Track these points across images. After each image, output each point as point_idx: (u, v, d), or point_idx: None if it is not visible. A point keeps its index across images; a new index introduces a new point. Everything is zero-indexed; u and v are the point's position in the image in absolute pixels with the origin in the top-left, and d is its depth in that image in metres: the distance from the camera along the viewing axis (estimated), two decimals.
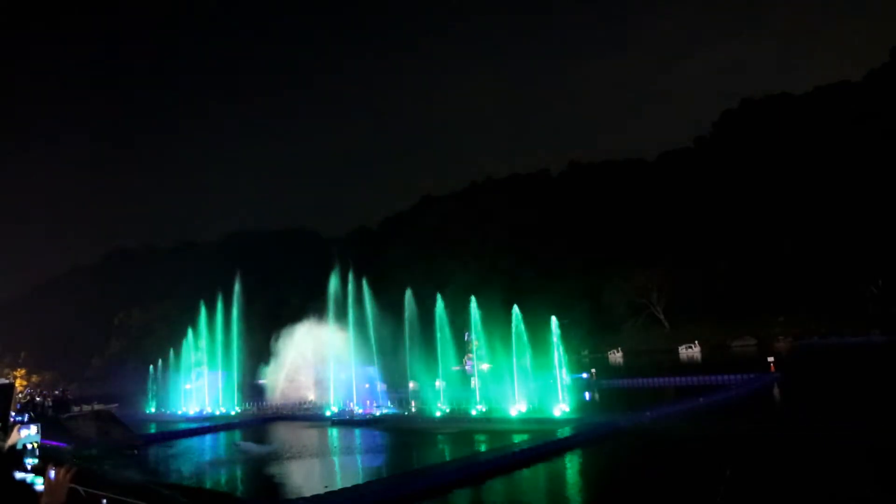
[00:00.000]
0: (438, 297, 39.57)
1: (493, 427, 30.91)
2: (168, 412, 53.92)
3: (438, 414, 35.49)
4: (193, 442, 37.16)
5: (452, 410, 36.01)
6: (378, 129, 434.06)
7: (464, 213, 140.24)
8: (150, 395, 58.76)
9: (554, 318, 34.11)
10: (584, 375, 53.31)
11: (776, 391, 36.83)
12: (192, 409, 51.03)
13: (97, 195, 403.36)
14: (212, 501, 20.03)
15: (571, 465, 22.18)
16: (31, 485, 3.97)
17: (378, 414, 38.65)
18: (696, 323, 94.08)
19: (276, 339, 57.98)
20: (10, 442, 3.98)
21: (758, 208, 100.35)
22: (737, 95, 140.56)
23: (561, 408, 31.33)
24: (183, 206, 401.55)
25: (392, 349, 44.08)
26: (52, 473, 3.53)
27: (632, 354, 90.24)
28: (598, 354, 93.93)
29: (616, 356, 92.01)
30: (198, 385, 52.46)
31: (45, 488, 3.51)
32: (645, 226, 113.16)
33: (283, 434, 37.05)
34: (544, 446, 23.36)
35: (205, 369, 52.65)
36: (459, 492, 18.53)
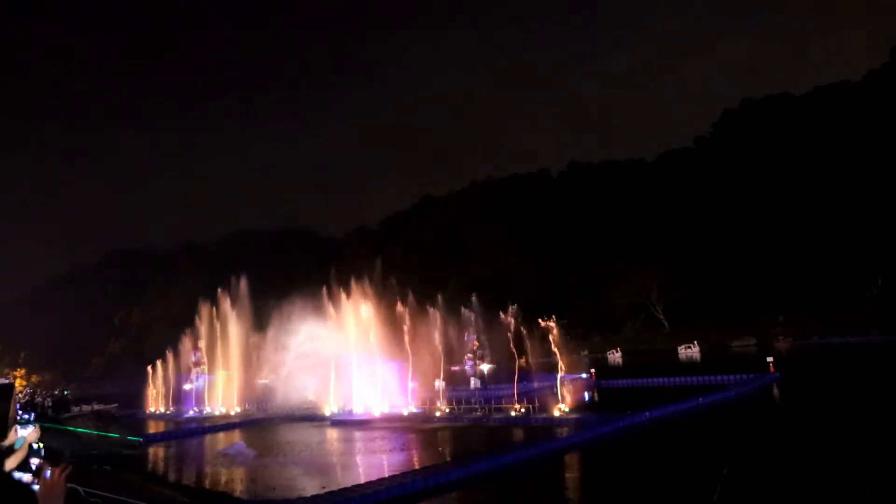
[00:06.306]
0: (438, 297, 39.61)
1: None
2: (168, 412, 53.95)
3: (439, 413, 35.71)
4: (193, 442, 37.16)
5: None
6: (378, 128, 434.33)
7: (464, 213, 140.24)
8: (149, 396, 58.79)
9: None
10: (584, 376, 53.24)
11: (776, 391, 36.81)
12: (191, 410, 51.06)
13: (97, 195, 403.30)
14: (212, 501, 20.01)
15: (570, 465, 22.19)
16: (29, 485, 3.94)
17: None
18: (696, 323, 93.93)
19: (276, 339, 57.88)
20: (7, 442, 3.95)
21: (758, 208, 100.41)
22: (737, 95, 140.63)
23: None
24: (183, 206, 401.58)
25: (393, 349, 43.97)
26: (48, 473, 3.51)
27: (631, 354, 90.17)
28: (598, 354, 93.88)
29: (615, 356, 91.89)
30: (197, 385, 52.51)
31: (41, 488, 3.50)
32: (645, 226, 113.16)
33: (283, 435, 37.00)
34: (544, 446, 23.39)
35: (204, 369, 52.70)
36: (460, 492, 18.52)
